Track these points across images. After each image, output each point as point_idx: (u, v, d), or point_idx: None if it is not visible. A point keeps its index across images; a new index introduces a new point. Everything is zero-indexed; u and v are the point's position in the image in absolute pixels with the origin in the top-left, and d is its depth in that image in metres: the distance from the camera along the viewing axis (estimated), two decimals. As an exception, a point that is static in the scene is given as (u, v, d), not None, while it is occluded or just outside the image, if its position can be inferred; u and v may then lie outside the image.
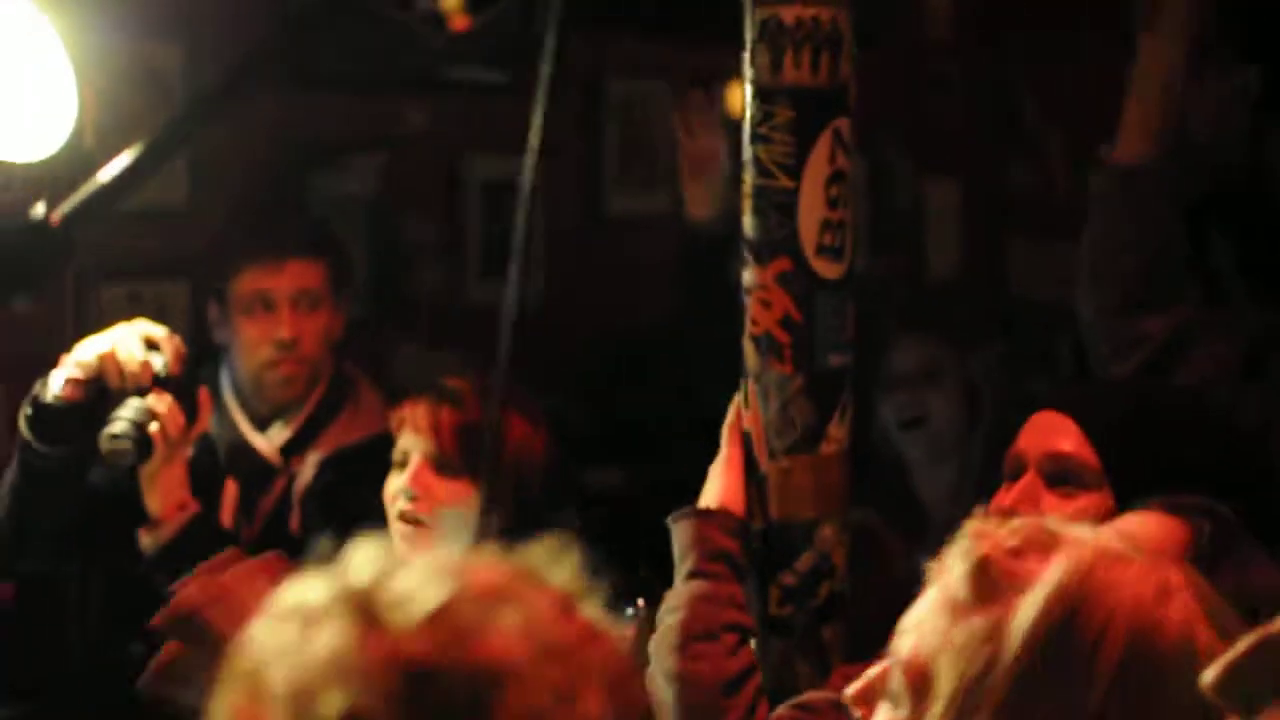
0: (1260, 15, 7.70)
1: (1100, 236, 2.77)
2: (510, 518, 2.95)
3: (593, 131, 5.39)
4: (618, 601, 2.27)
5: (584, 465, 4.77)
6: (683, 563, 2.10)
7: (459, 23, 4.77)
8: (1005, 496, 2.15)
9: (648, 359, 4.42)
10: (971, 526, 1.48)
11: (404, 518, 2.91)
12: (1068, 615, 1.38)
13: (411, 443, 2.94)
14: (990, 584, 1.41)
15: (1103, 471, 2.14)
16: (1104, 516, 2.12)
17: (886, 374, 3.68)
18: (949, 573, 1.45)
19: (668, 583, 2.16)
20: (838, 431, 2.11)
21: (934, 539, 2.78)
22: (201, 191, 4.18)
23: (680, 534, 2.12)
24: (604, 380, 4.91)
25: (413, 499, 2.90)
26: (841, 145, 2.12)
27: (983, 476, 2.39)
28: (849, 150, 2.13)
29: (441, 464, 2.91)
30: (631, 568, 2.45)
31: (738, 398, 2.15)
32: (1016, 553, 1.42)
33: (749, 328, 2.12)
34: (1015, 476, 2.17)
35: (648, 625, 2.21)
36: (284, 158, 4.48)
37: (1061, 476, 2.15)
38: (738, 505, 2.11)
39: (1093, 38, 6.24)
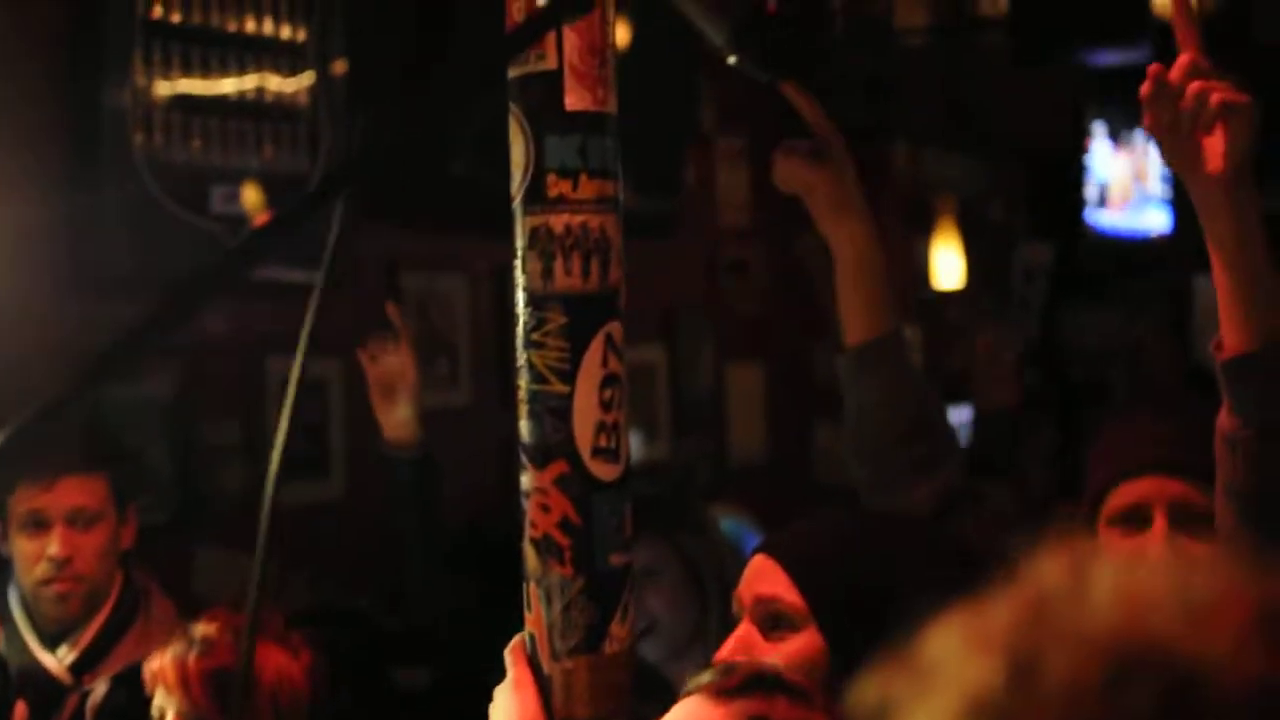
0: (1049, 196, 7.94)
1: (853, 418, 2.83)
2: None
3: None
4: None
5: (392, 664, 4.76)
6: None
7: (260, 219, 4.81)
8: (724, 648, 2.23)
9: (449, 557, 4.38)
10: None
11: None
12: None
13: (165, 700, 2.91)
14: None
15: (809, 611, 2.19)
16: (816, 657, 2.17)
17: None
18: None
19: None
20: (620, 630, 2.13)
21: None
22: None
23: None
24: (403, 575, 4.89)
25: None
26: (613, 349, 2.16)
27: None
28: (620, 353, 2.17)
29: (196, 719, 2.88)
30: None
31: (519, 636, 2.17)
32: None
33: (528, 531, 2.14)
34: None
35: None
36: (76, 364, 4.45)
37: (772, 621, 2.22)
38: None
39: (889, 222, 6.43)
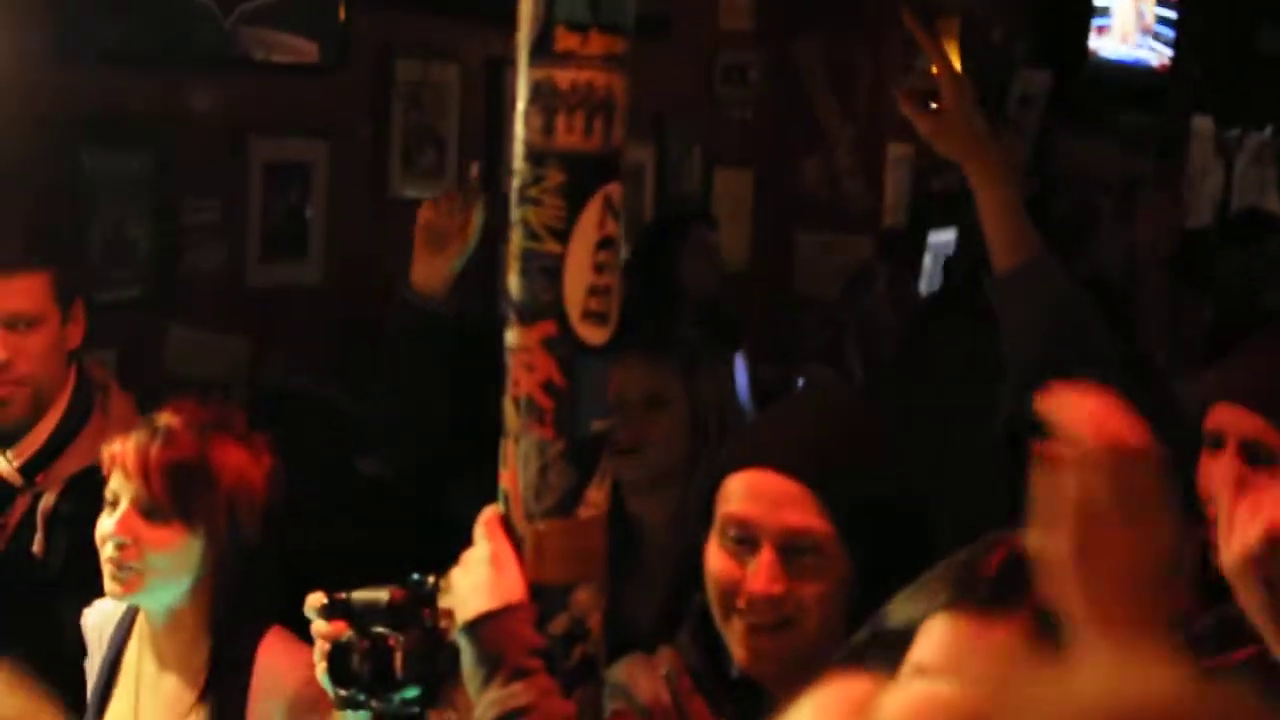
0: (1052, 23, 7.84)
1: (1006, 339, 2.93)
2: (224, 562, 2.92)
3: (381, 114, 5.37)
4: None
5: (358, 452, 4.76)
6: (493, 668, 2.01)
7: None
8: (755, 579, 2.19)
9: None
10: None
11: (112, 564, 2.87)
12: None
13: (121, 485, 2.89)
14: None
15: (838, 539, 2.19)
16: (848, 585, 2.17)
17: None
18: None
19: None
20: (596, 496, 2.11)
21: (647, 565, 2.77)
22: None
23: (482, 641, 2.03)
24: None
25: (120, 546, 2.86)
26: (611, 211, 2.12)
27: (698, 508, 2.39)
28: (618, 216, 2.13)
29: (151, 509, 2.86)
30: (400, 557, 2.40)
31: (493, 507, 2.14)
32: None
33: (510, 389, 2.11)
34: (749, 546, 2.21)
35: None
36: (57, 134, 4.39)
37: (798, 549, 2.19)
38: (526, 596, 2.06)
39: (891, 41, 6.34)
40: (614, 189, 2.13)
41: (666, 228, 5.65)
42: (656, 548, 3.43)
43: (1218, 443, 2.53)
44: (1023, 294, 2.87)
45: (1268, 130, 9.33)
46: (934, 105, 2.97)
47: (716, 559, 2.24)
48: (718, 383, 3.78)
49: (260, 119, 4.96)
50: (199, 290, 4.80)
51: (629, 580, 3.43)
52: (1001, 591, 1.77)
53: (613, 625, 3.30)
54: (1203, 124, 8.77)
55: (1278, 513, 1.95)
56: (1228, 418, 2.53)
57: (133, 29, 4.48)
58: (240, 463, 2.92)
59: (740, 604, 2.21)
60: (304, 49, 4.95)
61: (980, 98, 6.87)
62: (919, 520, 2.25)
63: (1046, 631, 1.68)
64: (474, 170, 3.78)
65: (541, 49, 2.10)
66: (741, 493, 2.23)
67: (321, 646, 2.28)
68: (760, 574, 2.18)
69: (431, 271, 3.67)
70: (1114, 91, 8.39)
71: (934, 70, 2.95)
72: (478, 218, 3.68)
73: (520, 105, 2.15)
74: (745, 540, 2.22)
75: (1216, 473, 2.51)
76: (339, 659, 2.26)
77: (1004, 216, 2.90)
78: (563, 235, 2.09)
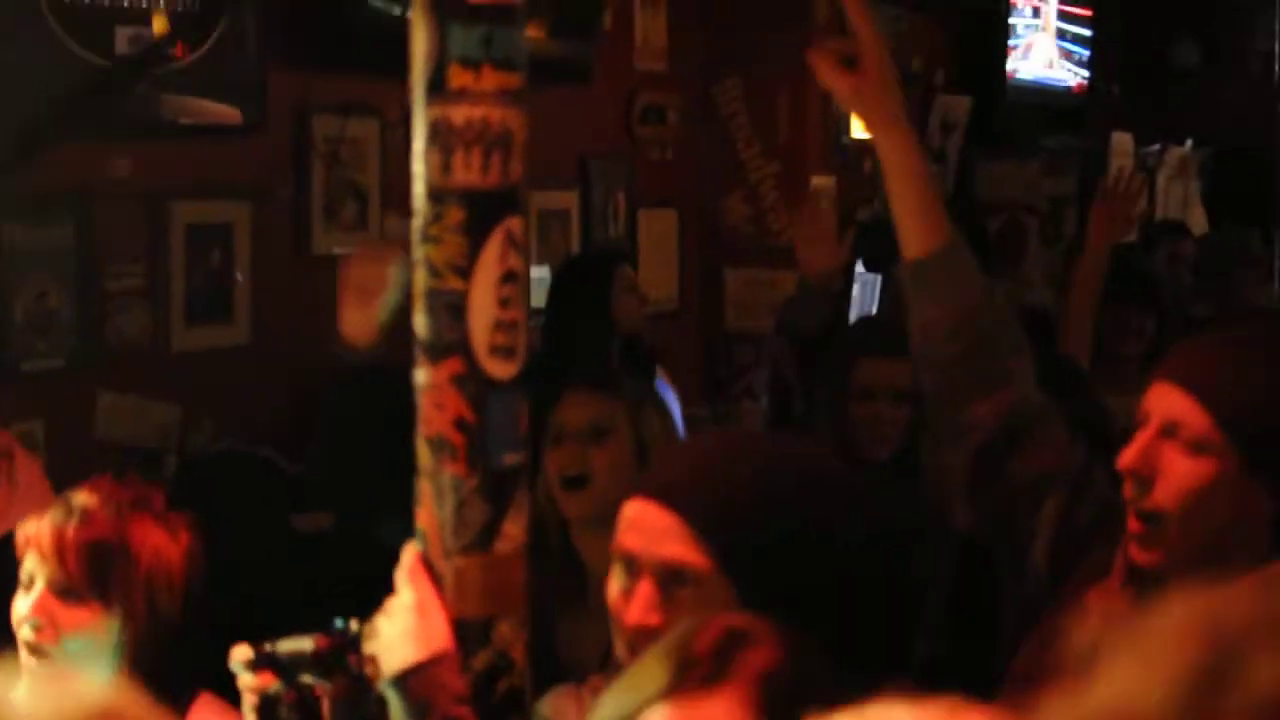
0: (969, 49, 7.89)
1: (916, 330, 2.75)
2: (144, 642, 2.88)
3: (301, 171, 5.36)
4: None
5: (294, 509, 4.76)
6: (421, 718, 2.01)
7: (169, 40, 4.72)
8: (630, 611, 2.13)
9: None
10: None
11: (28, 647, 2.84)
12: None
13: (36, 566, 2.86)
14: None
15: (718, 572, 2.09)
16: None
17: (551, 431, 3.62)
18: None
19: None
20: (513, 530, 2.12)
21: (594, 601, 2.77)
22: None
23: (410, 691, 2.03)
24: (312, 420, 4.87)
25: (37, 628, 2.83)
26: (513, 245, 2.13)
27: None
28: (521, 250, 2.14)
29: (66, 590, 2.83)
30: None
31: (410, 545, 2.14)
32: None
33: (422, 428, 2.12)
34: (633, 577, 2.16)
35: None
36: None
37: (676, 580, 2.12)
38: (452, 643, 2.06)
39: (805, 72, 6.36)
40: (514, 223, 2.14)
41: (591, 267, 5.66)
42: (603, 583, 3.43)
43: (1144, 422, 2.47)
44: (936, 283, 2.70)
45: (1188, 144, 9.41)
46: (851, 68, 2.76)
47: (612, 589, 2.19)
48: (662, 416, 3.81)
49: (181, 183, 4.96)
50: (125, 356, 4.78)
51: (576, 617, 3.44)
52: (719, 668, 1.73)
53: (560, 661, 3.31)
54: (1122, 140, 8.83)
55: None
56: (1157, 396, 2.46)
57: (49, 99, 4.47)
58: (158, 541, 2.89)
59: (624, 635, 2.17)
60: (223, 112, 4.94)
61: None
62: (832, 559, 2.12)
63: (771, 698, 1.70)
64: (393, 222, 3.79)
65: (436, 88, 2.12)
66: (626, 523, 2.18)
67: (249, 700, 2.27)
68: (636, 605, 2.13)
69: (360, 325, 3.66)
70: (1033, 114, 8.45)
71: (855, 30, 2.71)
72: (401, 268, 3.68)
73: (418, 145, 2.16)
74: (630, 571, 2.16)
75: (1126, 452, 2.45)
76: (267, 711, 2.26)
77: (917, 199, 2.71)
78: (465, 272, 2.11)
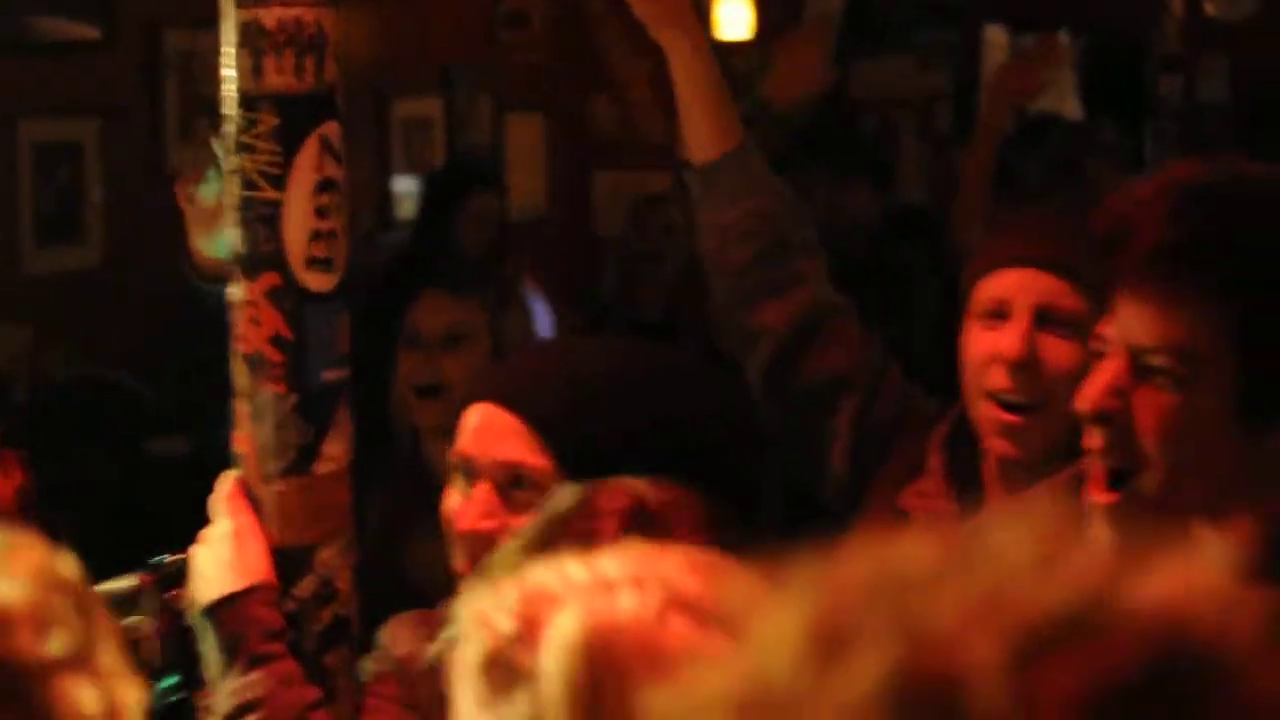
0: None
1: (706, 235, 2.69)
2: None
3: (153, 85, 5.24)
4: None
5: (149, 433, 4.65)
6: (232, 655, 1.95)
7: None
8: (464, 515, 2.04)
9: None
10: (468, 612, 1.40)
11: None
12: (588, 687, 1.32)
13: None
14: (505, 678, 1.34)
15: (557, 473, 2.01)
16: None
17: (406, 333, 3.52)
18: (465, 671, 1.38)
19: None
20: (334, 450, 2.04)
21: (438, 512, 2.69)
22: None
23: (221, 624, 1.96)
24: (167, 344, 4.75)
25: None
26: (330, 152, 2.04)
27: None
28: (339, 157, 2.05)
29: None
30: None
31: (227, 475, 2.06)
32: (520, 638, 1.34)
33: (238, 346, 2.03)
34: (470, 480, 2.07)
35: None
36: None
37: (515, 482, 2.03)
38: (270, 574, 1.99)
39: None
40: (331, 129, 2.05)
41: (444, 191, 5.54)
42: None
43: (1000, 314, 2.42)
44: (728, 186, 2.63)
45: (1063, 33, 9.36)
46: None
47: (449, 498, 2.10)
48: (526, 320, 3.71)
49: (26, 102, 4.82)
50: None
51: (426, 535, 3.35)
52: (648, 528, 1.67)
53: (410, 584, 3.22)
54: (995, 34, 8.77)
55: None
56: (1013, 283, 2.43)
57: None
58: None
59: (460, 543, 2.08)
60: (75, 29, 4.82)
61: (775, 18, 6.82)
62: (678, 459, 2.00)
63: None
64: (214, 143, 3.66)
65: (246, -12, 2.02)
66: (465, 429, 2.10)
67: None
68: (472, 509, 2.04)
69: (209, 247, 3.54)
70: (908, 8, 8.38)
71: None
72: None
73: (227, 50, 2.06)
74: (468, 476, 2.07)
75: (1001, 341, 2.41)
76: None
77: (705, 101, 2.63)
78: (279, 181, 2.01)
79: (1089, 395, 1.85)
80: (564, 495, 1.76)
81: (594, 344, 2.39)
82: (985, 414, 2.44)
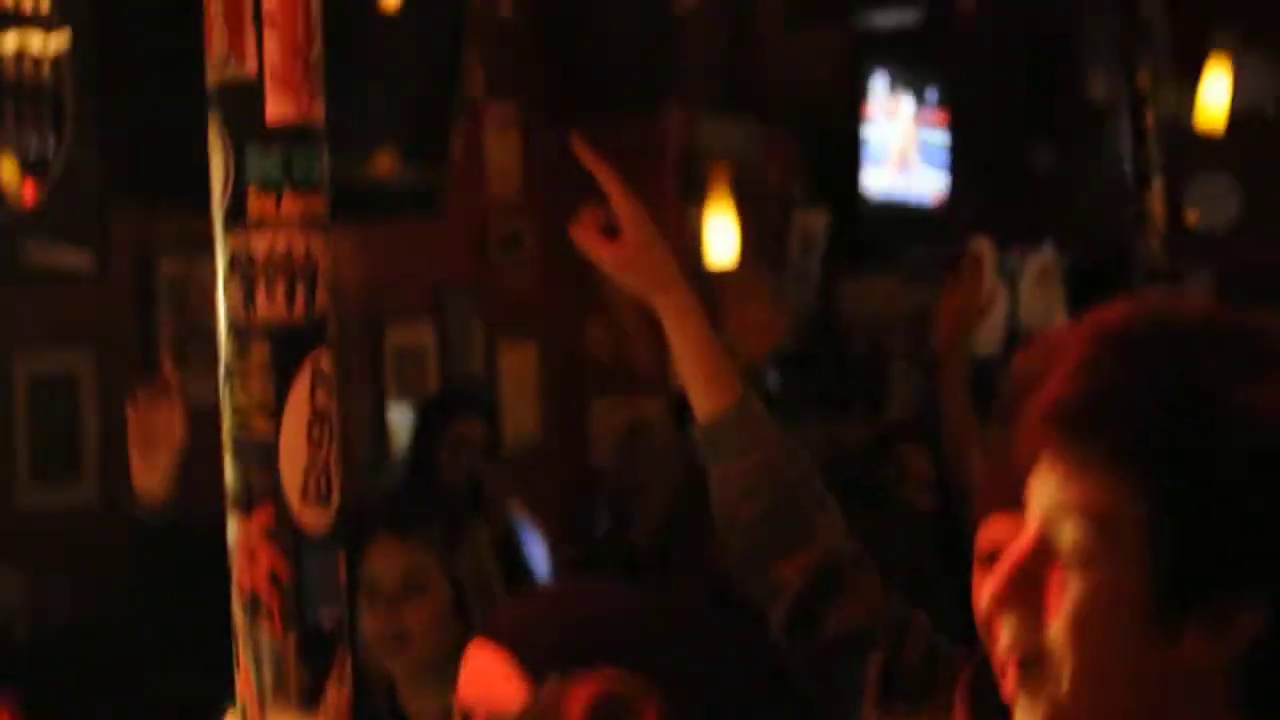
0: (825, 161, 7.86)
1: (715, 491, 2.64)
2: None
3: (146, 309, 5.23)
4: None
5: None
6: None
7: (27, 195, 4.55)
8: None
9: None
10: None
11: None
12: None
13: None
14: None
15: None
16: None
17: (364, 583, 3.45)
18: None
19: None
20: (336, 696, 1.95)
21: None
22: None
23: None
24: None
25: None
26: (322, 382, 1.98)
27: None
28: (330, 386, 1.99)
29: None
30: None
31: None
32: None
33: (235, 588, 1.96)
34: None
35: None
36: None
37: None
38: None
39: (658, 190, 6.28)
40: (321, 356, 1.99)
41: (428, 416, 5.49)
42: None
43: (995, 559, 2.36)
44: (730, 444, 2.60)
45: (1048, 248, 9.41)
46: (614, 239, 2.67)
47: None
48: (480, 560, 3.64)
49: (26, 334, 4.80)
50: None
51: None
52: None
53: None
54: (983, 249, 8.80)
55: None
56: (1003, 531, 2.30)
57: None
58: None
59: None
60: (70, 257, 4.81)
61: (760, 243, 6.82)
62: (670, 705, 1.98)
63: None
64: (166, 363, 3.62)
65: (236, 214, 1.97)
66: (464, 672, 2.10)
67: None
68: None
69: (149, 475, 3.45)
70: (892, 226, 8.42)
71: (612, 202, 2.67)
72: (181, 412, 3.47)
73: (220, 278, 2.01)
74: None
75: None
76: None
77: (700, 359, 2.62)
78: (274, 414, 1.95)
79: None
80: None
81: (592, 586, 2.36)
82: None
